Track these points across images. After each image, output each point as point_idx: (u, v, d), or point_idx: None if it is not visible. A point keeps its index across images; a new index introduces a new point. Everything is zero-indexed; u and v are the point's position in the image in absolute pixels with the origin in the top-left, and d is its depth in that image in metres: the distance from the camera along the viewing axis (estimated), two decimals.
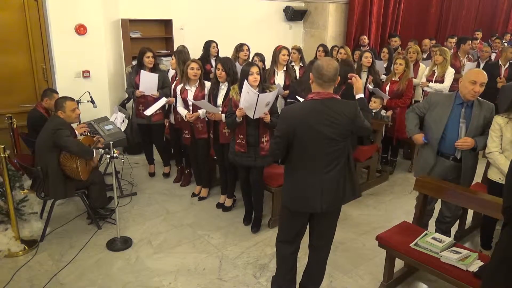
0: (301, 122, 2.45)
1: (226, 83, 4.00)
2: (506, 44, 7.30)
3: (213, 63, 5.51)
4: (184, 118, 4.25)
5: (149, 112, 4.56)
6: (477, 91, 3.08)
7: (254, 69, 3.55)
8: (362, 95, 2.74)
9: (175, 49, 5.75)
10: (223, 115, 3.91)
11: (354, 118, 2.47)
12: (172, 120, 4.67)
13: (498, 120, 3.04)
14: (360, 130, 2.58)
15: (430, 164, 3.33)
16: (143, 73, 4.65)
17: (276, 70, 5.00)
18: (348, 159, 2.58)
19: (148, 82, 4.64)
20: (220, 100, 4.03)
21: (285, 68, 5.01)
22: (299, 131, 2.46)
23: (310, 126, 2.43)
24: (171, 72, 5.03)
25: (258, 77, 3.57)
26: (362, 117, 2.53)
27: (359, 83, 2.77)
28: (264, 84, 3.77)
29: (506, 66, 6.03)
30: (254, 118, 3.49)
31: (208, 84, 4.22)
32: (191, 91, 4.22)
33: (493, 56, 7.12)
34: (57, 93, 4.45)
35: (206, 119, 4.20)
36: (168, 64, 5.61)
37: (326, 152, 2.48)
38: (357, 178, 2.72)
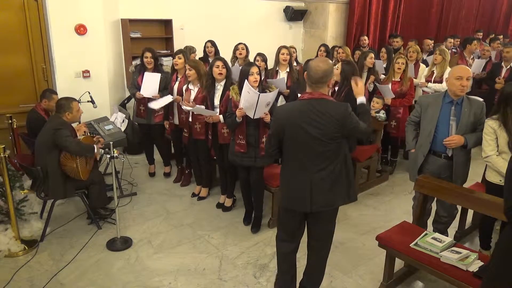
0: (289, 122, 2.50)
1: (222, 83, 4.00)
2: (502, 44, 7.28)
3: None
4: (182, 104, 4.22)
5: (154, 105, 4.52)
6: (465, 85, 3.12)
7: (254, 69, 3.55)
8: (363, 99, 2.73)
9: (175, 49, 5.74)
10: (221, 116, 3.92)
11: (343, 120, 2.44)
12: (176, 121, 4.65)
13: (491, 124, 3.04)
14: (354, 133, 2.54)
15: (418, 164, 3.37)
16: (146, 74, 4.63)
17: (279, 70, 5.01)
18: (345, 162, 2.55)
19: (150, 84, 4.61)
20: (217, 101, 4.03)
21: (288, 69, 5.00)
22: (288, 131, 2.51)
23: (298, 125, 2.47)
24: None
25: (259, 77, 3.57)
26: (355, 120, 2.50)
27: (360, 87, 2.77)
28: (265, 85, 3.77)
29: (508, 67, 6.04)
30: (255, 118, 3.49)
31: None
32: (193, 91, 4.22)
33: (493, 55, 7.09)
34: (56, 94, 4.45)
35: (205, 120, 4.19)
36: (168, 64, 5.60)
37: (315, 152, 2.48)
38: (354, 182, 2.68)
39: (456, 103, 3.20)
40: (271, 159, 2.79)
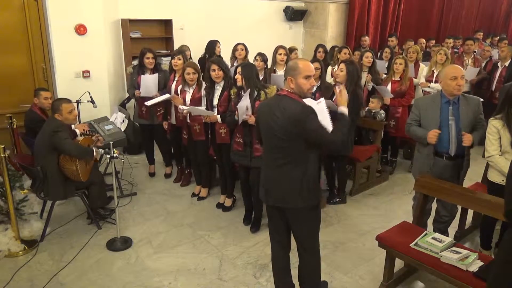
0: (260, 115, 2.66)
1: (221, 83, 4.01)
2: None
3: None
4: (179, 109, 4.26)
5: (150, 103, 4.52)
6: (461, 84, 3.14)
7: (238, 69, 3.66)
8: (344, 109, 2.65)
9: (175, 49, 5.74)
10: (219, 116, 3.93)
11: (297, 121, 2.39)
12: (173, 121, 4.66)
13: (495, 123, 3.04)
14: (316, 139, 2.45)
15: (429, 165, 3.32)
16: (143, 77, 4.64)
17: (277, 70, 5.01)
18: (306, 169, 2.52)
19: (148, 85, 4.62)
20: (215, 101, 4.04)
21: (285, 69, 5.00)
22: (259, 123, 2.67)
23: (263, 119, 2.58)
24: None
25: (239, 77, 3.64)
26: (316, 125, 2.43)
27: (343, 96, 2.71)
28: (261, 84, 3.77)
29: (503, 66, 6.07)
30: (240, 121, 3.59)
31: (204, 85, 4.21)
32: (189, 93, 4.22)
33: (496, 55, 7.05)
34: (44, 90, 4.46)
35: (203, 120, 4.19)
36: (168, 64, 5.60)
37: (274, 146, 2.55)
38: (315, 189, 2.62)
39: (453, 102, 3.21)
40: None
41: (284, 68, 4.99)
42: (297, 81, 2.48)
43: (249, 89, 3.59)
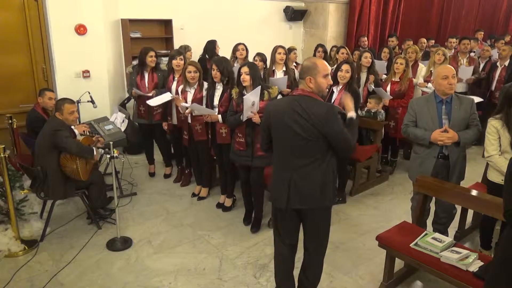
0: (275, 116, 2.54)
1: (222, 83, 4.01)
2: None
3: None
4: (180, 110, 4.27)
5: (153, 103, 4.51)
6: (453, 83, 3.16)
7: (244, 69, 3.61)
8: (353, 115, 2.64)
9: (175, 49, 5.73)
10: (219, 116, 3.93)
11: (325, 120, 2.40)
12: (174, 121, 4.66)
13: (494, 123, 3.04)
14: (337, 140, 2.46)
15: (430, 167, 3.29)
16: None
17: (275, 70, 5.01)
18: (330, 164, 2.54)
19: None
20: (216, 101, 4.04)
21: (284, 68, 5.01)
22: (273, 124, 2.56)
23: (282, 120, 2.50)
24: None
25: (247, 77, 3.59)
26: (340, 125, 2.45)
27: (348, 102, 2.69)
28: (264, 84, 3.77)
29: (503, 66, 6.07)
30: (244, 119, 3.55)
31: (206, 85, 4.21)
32: (190, 93, 4.21)
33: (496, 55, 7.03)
34: (50, 90, 4.47)
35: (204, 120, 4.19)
36: (166, 64, 5.60)
37: (296, 147, 2.49)
38: (335, 187, 2.67)
39: (446, 102, 3.23)
40: (263, 151, 2.88)
41: (283, 68, 5.00)
42: (316, 80, 2.48)
43: (259, 86, 3.56)
